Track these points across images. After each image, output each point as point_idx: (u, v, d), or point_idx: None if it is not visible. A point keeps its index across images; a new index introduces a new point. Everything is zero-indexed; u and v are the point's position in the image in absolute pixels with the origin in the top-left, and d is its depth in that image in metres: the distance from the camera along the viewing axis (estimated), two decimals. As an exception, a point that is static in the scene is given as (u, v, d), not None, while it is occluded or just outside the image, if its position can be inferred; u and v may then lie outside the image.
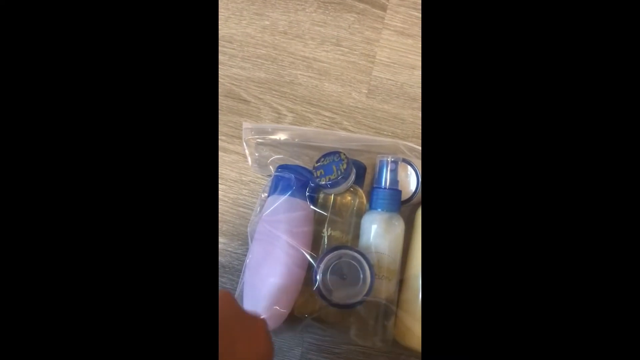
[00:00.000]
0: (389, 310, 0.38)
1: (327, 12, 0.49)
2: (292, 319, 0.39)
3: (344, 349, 0.42)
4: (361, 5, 0.50)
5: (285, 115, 0.47)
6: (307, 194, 0.39)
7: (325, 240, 0.39)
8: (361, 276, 0.35)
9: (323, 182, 0.37)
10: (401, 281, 0.39)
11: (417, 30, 0.49)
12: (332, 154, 0.39)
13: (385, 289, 0.37)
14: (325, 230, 0.39)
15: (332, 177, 0.37)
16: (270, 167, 0.42)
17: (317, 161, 0.39)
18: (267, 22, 0.49)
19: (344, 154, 0.38)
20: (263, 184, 0.44)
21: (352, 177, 0.39)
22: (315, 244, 0.39)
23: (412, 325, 0.37)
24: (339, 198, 0.40)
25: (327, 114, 0.47)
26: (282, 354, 0.42)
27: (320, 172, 0.38)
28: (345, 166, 0.37)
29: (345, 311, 0.38)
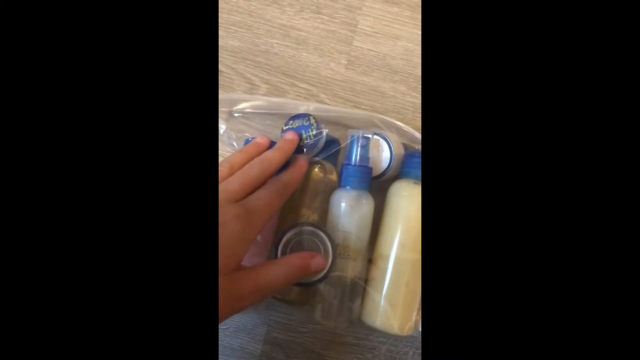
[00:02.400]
0: (355, 290, 0.36)
1: (307, -24, 0.46)
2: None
3: (310, 328, 0.41)
4: (344, -30, 0.46)
5: (259, 86, 0.45)
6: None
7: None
8: (322, 253, 0.33)
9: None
10: (370, 261, 0.37)
11: (403, -2, 0.46)
12: (302, 117, 0.37)
13: (352, 268, 0.36)
14: (293, 206, 0.37)
15: (300, 144, 0.35)
16: (235, 144, 0.40)
17: (286, 124, 0.37)
18: (243, -13, 0.46)
19: (314, 118, 0.36)
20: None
21: (320, 145, 0.37)
22: (281, 222, 0.38)
23: (378, 305, 0.36)
24: (308, 172, 0.38)
25: (303, 85, 0.45)
26: (247, 331, 0.41)
27: None
28: (314, 132, 0.35)
29: (308, 291, 0.36)
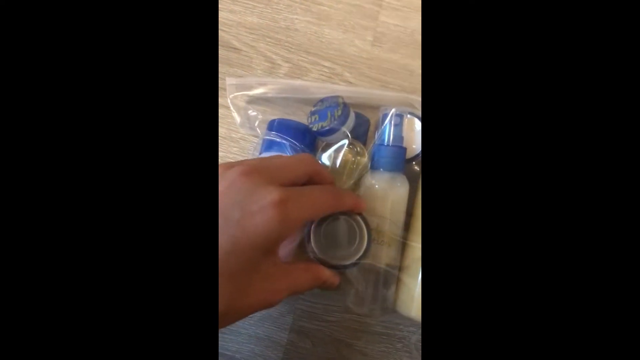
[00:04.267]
0: (390, 277, 0.35)
1: (329, -53, 0.44)
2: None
3: (338, 317, 0.39)
4: (369, -59, 0.44)
5: (280, 65, 0.42)
6: (300, 151, 0.35)
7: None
8: (357, 237, 0.31)
9: (315, 129, 0.34)
10: (404, 245, 0.36)
11: (431, -30, 0.43)
12: (330, 98, 0.35)
13: (386, 254, 0.34)
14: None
15: (325, 124, 0.33)
16: (258, 129, 0.37)
17: (314, 105, 0.35)
18: (261, -41, 0.43)
19: (342, 98, 0.34)
20: (254, 142, 0.41)
21: (349, 124, 0.35)
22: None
23: (413, 294, 0.34)
24: (339, 155, 0.36)
25: (326, 64, 0.42)
26: (272, 320, 0.39)
27: (315, 118, 0.34)
28: (340, 112, 0.33)
29: (341, 275, 0.35)
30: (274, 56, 0.42)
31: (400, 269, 0.35)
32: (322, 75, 0.42)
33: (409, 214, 0.36)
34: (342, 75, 0.42)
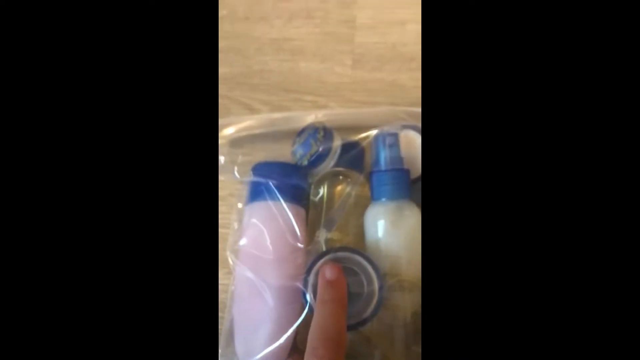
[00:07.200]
0: (420, 329, 0.28)
1: (291, -16, 0.42)
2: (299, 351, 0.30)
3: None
4: (330, -32, 0.42)
5: (259, 108, 0.39)
6: (290, 193, 0.31)
7: (323, 246, 0.30)
8: (365, 286, 0.25)
9: (305, 162, 0.30)
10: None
11: (401, -21, 0.40)
12: (307, 127, 0.31)
13: (410, 301, 0.28)
14: (319, 233, 0.30)
15: (312, 152, 0.29)
16: (236, 173, 0.33)
17: (294, 143, 0.31)
18: (224, 12, 0.42)
19: (318, 122, 0.30)
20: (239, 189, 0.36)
21: (337, 149, 0.30)
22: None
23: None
24: (331, 188, 0.31)
25: (308, 97, 0.39)
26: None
27: (300, 153, 0.30)
28: (322, 134, 0.29)
29: (357, 337, 0.28)
30: (251, 102, 0.39)
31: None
32: (306, 110, 0.39)
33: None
34: (327, 105, 0.39)
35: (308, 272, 0.26)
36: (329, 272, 0.25)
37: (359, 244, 0.30)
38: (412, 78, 0.38)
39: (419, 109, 0.32)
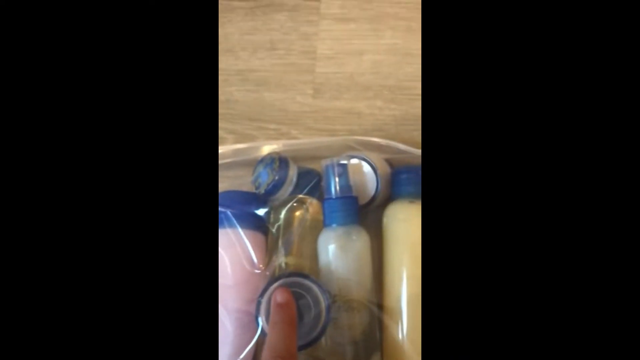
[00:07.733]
0: (370, 345, 0.30)
1: (255, 17, 0.44)
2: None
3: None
4: (292, 2, 0.44)
5: (226, 137, 0.41)
6: (248, 220, 0.33)
7: (278, 271, 0.32)
8: (313, 308, 0.28)
9: (263, 191, 0.32)
10: (381, 307, 0.31)
11: (358, 13, 0.43)
12: (264, 159, 0.33)
13: (359, 322, 0.30)
14: (276, 257, 0.32)
15: (269, 181, 0.32)
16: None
17: (253, 172, 0.34)
18: (193, 44, 0.45)
19: (274, 152, 0.33)
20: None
21: (293, 176, 0.33)
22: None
23: (402, 354, 0.29)
24: (289, 214, 0.34)
25: (272, 126, 0.41)
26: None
27: (258, 182, 0.33)
28: (277, 163, 0.32)
29: (313, 356, 0.30)
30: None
31: (381, 330, 0.31)
32: (270, 138, 0.41)
33: (378, 267, 0.32)
34: (289, 133, 0.41)
35: (261, 296, 0.28)
36: (279, 296, 0.27)
37: (313, 268, 0.32)
38: (368, 105, 0.41)
39: (367, 137, 0.35)
